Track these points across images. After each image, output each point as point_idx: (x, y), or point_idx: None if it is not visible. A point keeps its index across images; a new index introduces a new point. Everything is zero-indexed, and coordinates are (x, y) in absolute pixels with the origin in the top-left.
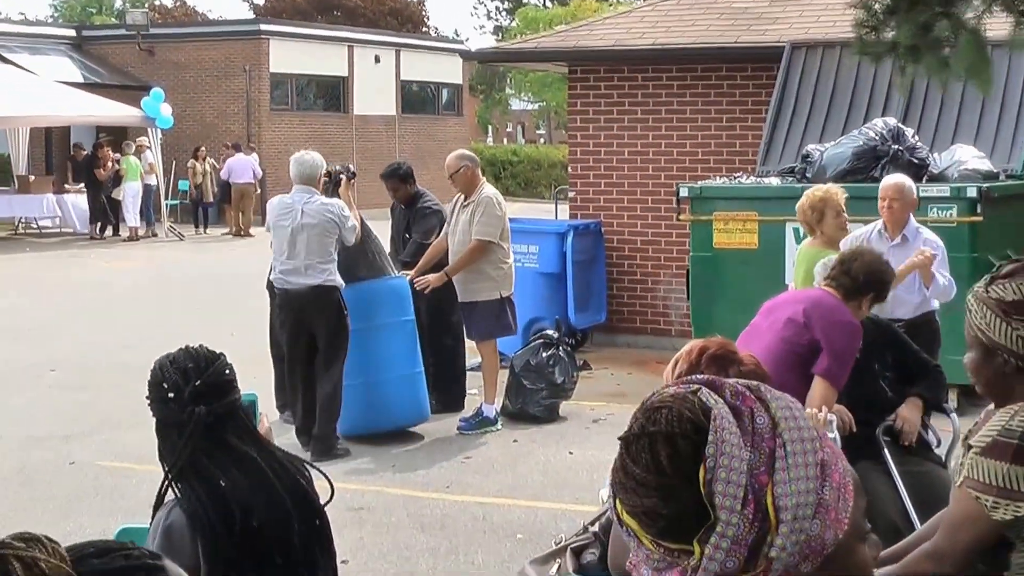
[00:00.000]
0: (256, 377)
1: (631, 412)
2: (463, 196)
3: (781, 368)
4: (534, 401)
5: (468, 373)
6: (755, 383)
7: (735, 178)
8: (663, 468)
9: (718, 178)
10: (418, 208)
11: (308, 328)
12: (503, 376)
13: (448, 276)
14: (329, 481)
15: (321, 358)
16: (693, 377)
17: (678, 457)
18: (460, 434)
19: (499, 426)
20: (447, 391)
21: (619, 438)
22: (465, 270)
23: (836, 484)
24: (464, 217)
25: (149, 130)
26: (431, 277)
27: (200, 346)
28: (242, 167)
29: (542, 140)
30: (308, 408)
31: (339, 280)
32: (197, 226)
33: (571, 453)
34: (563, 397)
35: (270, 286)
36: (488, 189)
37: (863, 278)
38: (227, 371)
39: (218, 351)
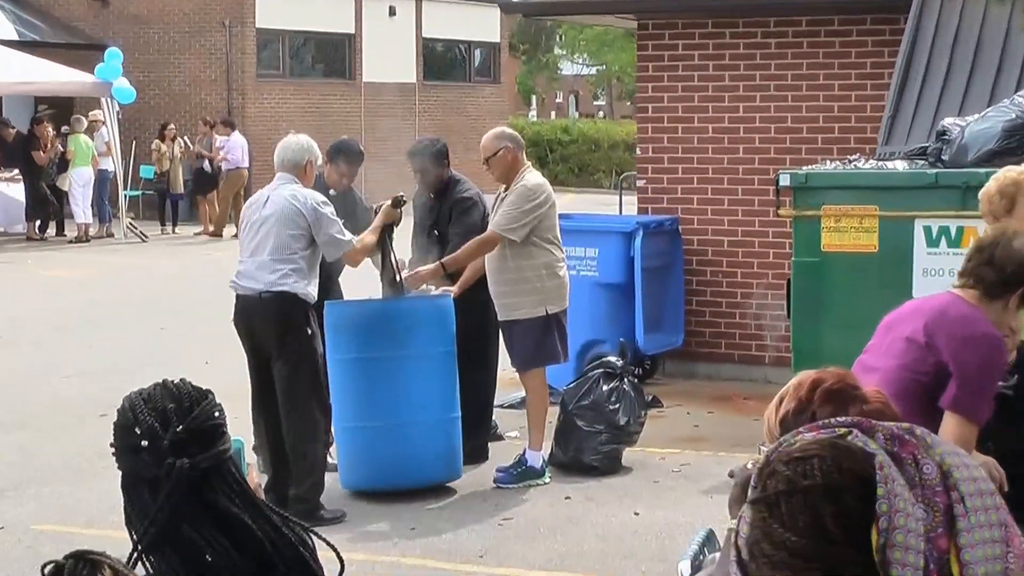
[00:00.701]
0: (237, 417)
1: (714, 461)
2: (503, 188)
3: (904, 403)
4: (591, 447)
5: (506, 410)
6: (906, 424)
7: (850, 162)
8: (828, 532)
9: (828, 162)
10: (456, 199)
11: (261, 348)
12: (552, 415)
13: (444, 270)
14: (337, 553)
15: (280, 393)
16: (836, 420)
17: (845, 517)
18: (497, 488)
19: (547, 479)
20: (473, 435)
21: (752, 500)
22: (502, 280)
23: (1018, 551)
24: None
25: (103, 102)
26: (424, 270)
27: (182, 381)
28: (241, 148)
29: (601, 114)
30: (275, 461)
31: (305, 290)
32: (164, 224)
33: (637, 514)
34: (627, 442)
35: None
36: (532, 176)
37: (1011, 268)
38: (216, 413)
39: (204, 388)
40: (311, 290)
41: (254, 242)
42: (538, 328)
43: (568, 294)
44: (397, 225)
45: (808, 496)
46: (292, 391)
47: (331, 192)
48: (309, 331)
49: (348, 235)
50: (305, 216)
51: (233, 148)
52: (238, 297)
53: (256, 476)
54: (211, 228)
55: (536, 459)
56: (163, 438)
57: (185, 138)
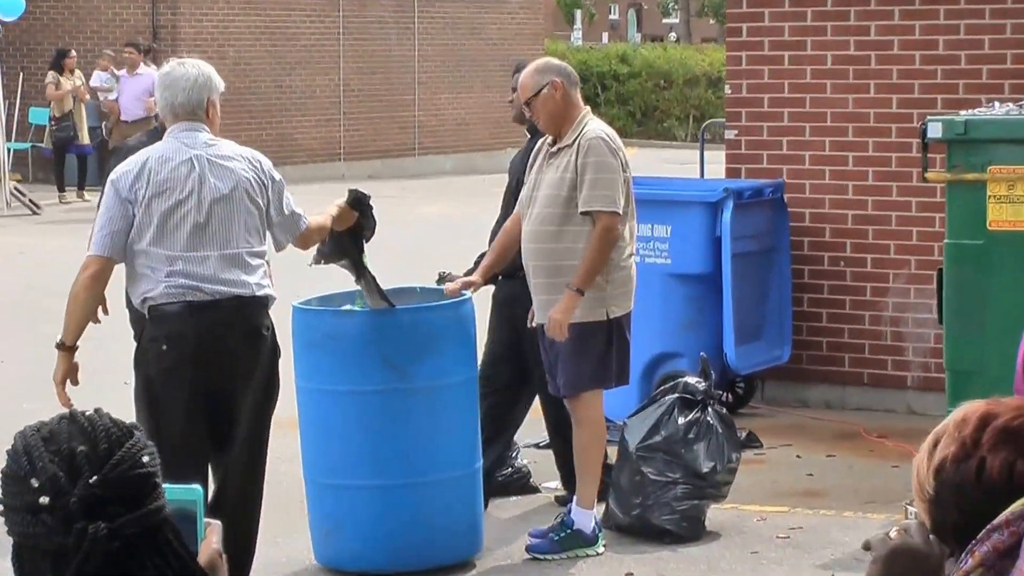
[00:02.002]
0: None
1: (837, 524)
2: (551, 139)
3: None
4: (662, 504)
5: (543, 450)
6: None
7: None
8: None
9: (998, 104)
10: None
11: (219, 381)
12: (607, 457)
13: (581, 294)
14: None
15: (241, 446)
16: None
17: None
18: (534, 560)
19: (600, 547)
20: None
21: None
22: (547, 269)
23: None
24: (553, 174)
25: None
26: (465, 281)
27: (97, 412)
28: (138, 90)
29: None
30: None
31: (273, 293)
32: (63, 189)
33: None
34: (713, 497)
35: (139, 317)
36: (595, 124)
37: None
38: (145, 458)
39: (127, 423)
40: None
41: (211, 228)
42: (600, 338)
43: (634, 292)
44: (367, 240)
45: None
46: (260, 435)
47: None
48: (279, 353)
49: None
50: (266, 186)
51: (128, 89)
52: (194, 309)
53: (216, 541)
54: None
55: (587, 520)
56: (71, 494)
57: (91, 74)
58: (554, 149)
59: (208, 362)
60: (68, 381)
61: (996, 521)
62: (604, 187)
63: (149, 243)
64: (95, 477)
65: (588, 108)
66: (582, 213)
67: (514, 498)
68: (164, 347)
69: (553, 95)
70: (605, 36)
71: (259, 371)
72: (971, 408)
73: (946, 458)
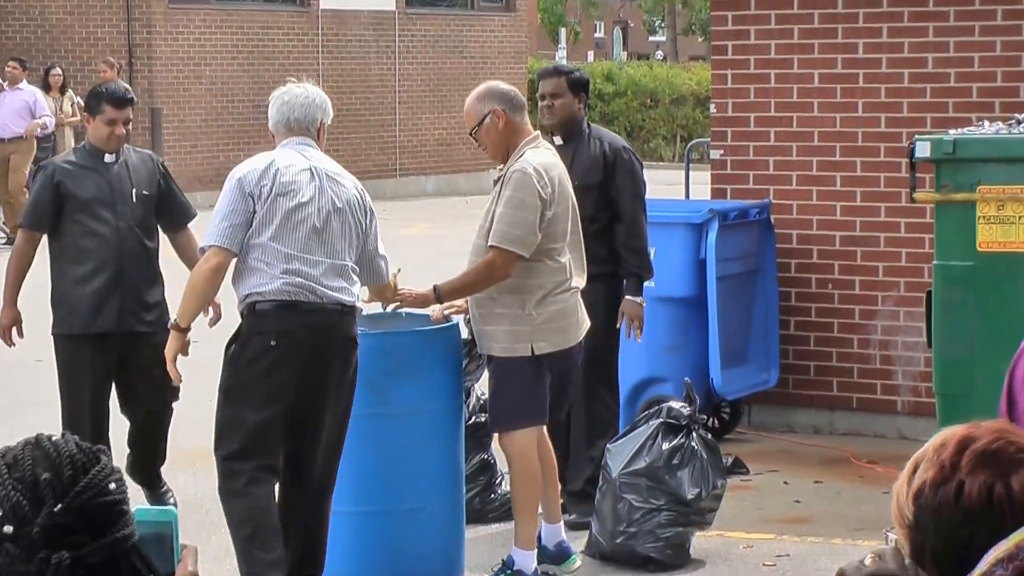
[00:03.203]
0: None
1: (825, 551)
2: (499, 167)
3: None
4: (646, 531)
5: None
6: None
7: (1019, 123)
8: None
9: (985, 123)
10: (612, 148)
11: (315, 388)
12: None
13: (438, 297)
14: None
15: (326, 447)
16: None
17: None
18: None
19: None
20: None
21: None
22: (480, 303)
23: None
24: (489, 205)
25: None
26: (411, 293)
27: (63, 438)
28: (17, 106)
29: (660, 55)
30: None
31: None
32: None
33: None
34: (698, 524)
35: (257, 312)
36: (529, 155)
37: None
38: (111, 484)
39: (95, 447)
40: None
41: (326, 235)
42: (521, 374)
43: (576, 328)
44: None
45: None
46: (337, 447)
47: (107, 158)
48: None
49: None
50: (367, 213)
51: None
52: (304, 310)
53: (192, 564)
54: None
55: (527, 561)
56: (34, 523)
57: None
58: (495, 178)
59: (309, 363)
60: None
61: (1000, 553)
62: (507, 222)
63: (269, 238)
64: (59, 505)
65: (535, 134)
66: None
67: (495, 525)
68: (272, 342)
69: (496, 124)
70: (590, 54)
71: (348, 379)
72: (950, 432)
73: (925, 482)
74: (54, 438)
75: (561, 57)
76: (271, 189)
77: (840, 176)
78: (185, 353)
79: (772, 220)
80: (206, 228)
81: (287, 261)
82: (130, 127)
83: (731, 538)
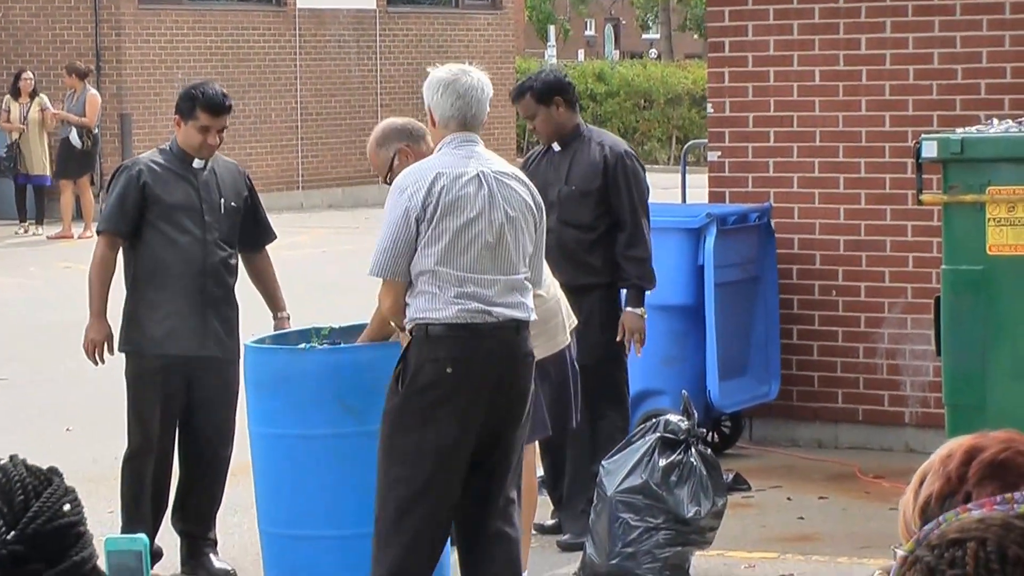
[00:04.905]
0: (115, 512)
1: (831, 571)
2: None
3: None
4: (643, 551)
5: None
6: None
7: None
8: None
9: (995, 121)
10: (615, 153)
11: (498, 413)
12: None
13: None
14: None
15: (503, 474)
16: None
17: None
18: None
19: None
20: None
21: None
22: None
23: None
24: None
25: None
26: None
27: (12, 461)
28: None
29: (654, 53)
30: None
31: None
32: (24, 220)
33: None
34: (697, 544)
35: (439, 337)
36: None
37: None
38: (66, 507)
39: (46, 468)
40: None
41: (499, 250)
42: None
43: (562, 328)
44: None
45: None
46: (516, 471)
47: (195, 164)
48: None
49: None
50: (536, 214)
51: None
52: (480, 334)
53: None
54: (79, 230)
55: None
56: None
57: (44, 96)
58: None
59: (490, 387)
60: None
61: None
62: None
63: (436, 263)
64: (12, 533)
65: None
66: None
67: None
68: (449, 369)
69: (406, 163)
70: (581, 53)
71: (527, 395)
72: (956, 443)
73: (931, 495)
74: (2, 463)
75: (551, 56)
76: (436, 209)
77: (843, 178)
78: None
79: (773, 225)
80: (376, 256)
81: (460, 284)
82: (223, 135)
83: (732, 558)
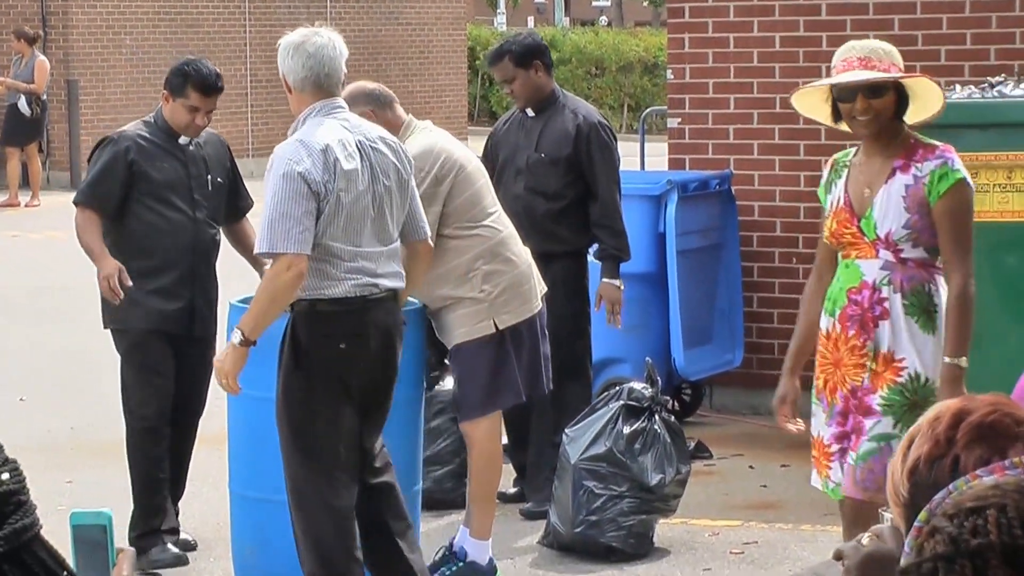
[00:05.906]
0: (74, 481)
1: (795, 538)
2: None
3: None
4: (607, 519)
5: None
6: None
7: (992, 86)
8: None
9: (957, 88)
10: (588, 123)
11: (379, 380)
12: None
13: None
14: None
15: (376, 441)
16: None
17: None
18: None
19: None
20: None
21: (903, 570)
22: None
23: None
24: None
25: None
26: None
27: None
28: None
29: (604, 20)
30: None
31: None
32: None
33: None
34: (661, 511)
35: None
36: (415, 140)
37: None
38: (4, 475)
39: None
40: None
41: (379, 223)
42: (483, 355)
43: (535, 293)
44: None
45: (978, 560)
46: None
47: (181, 140)
48: None
49: None
50: (408, 174)
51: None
52: (370, 304)
53: (128, 569)
54: (27, 198)
55: (482, 552)
56: None
57: None
58: None
59: (375, 358)
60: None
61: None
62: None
63: (331, 238)
64: None
65: (407, 121)
66: None
67: (455, 512)
68: (342, 345)
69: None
70: (531, 20)
71: (398, 360)
72: (944, 406)
73: (920, 458)
74: None
75: (500, 23)
76: (334, 183)
77: (804, 144)
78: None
79: (734, 191)
80: (267, 229)
81: (351, 259)
82: (211, 116)
83: (696, 525)
